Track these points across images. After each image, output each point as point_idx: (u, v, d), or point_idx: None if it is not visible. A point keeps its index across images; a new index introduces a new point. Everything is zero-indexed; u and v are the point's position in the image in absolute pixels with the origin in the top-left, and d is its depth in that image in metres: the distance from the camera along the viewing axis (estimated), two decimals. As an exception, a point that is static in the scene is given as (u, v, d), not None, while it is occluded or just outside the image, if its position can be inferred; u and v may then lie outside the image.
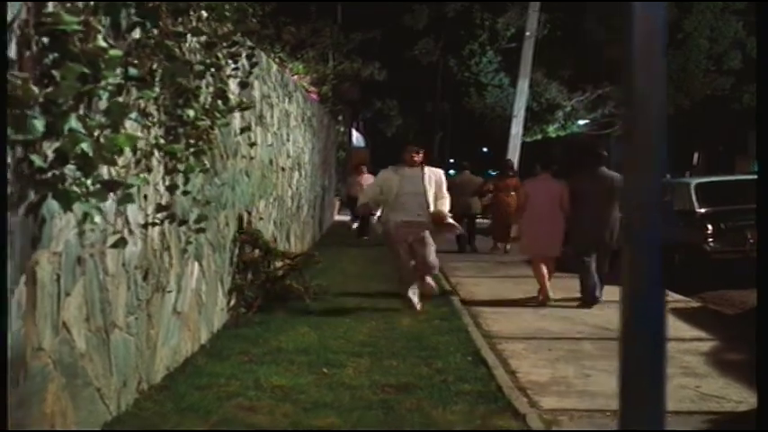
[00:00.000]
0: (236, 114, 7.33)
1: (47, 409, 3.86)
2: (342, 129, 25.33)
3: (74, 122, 3.54)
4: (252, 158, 8.70)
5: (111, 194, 4.06)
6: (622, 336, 2.07)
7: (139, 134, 4.58)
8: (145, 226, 5.21)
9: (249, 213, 8.63)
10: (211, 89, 6.07)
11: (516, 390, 5.77)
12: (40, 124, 3.36)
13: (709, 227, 11.64)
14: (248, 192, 8.61)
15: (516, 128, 22.76)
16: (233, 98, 6.49)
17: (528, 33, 22.26)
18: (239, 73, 6.79)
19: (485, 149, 48.32)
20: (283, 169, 11.32)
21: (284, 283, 8.49)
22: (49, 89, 3.52)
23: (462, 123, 39.41)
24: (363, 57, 27.12)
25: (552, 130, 29.92)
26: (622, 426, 2.10)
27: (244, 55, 6.79)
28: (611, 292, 10.24)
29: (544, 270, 9.96)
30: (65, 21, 3.44)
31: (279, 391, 5.50)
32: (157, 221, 5.30)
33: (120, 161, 4.38)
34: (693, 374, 6.49)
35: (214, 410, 5.03)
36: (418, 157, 9.07)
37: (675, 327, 8.41)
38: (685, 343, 7.58)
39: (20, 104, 3.28)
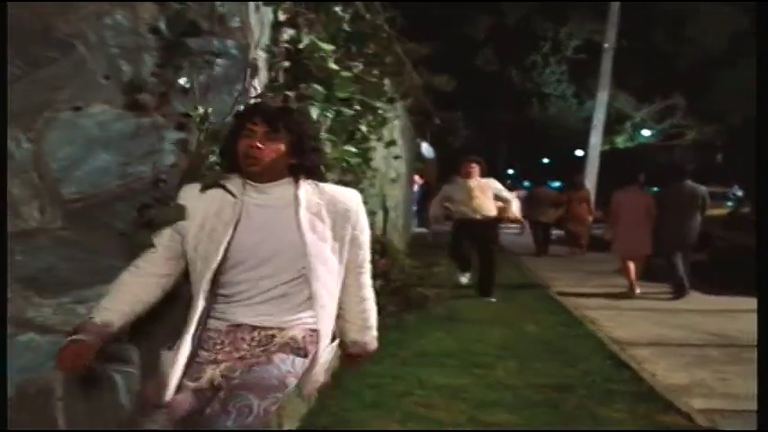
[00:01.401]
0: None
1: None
2: (418, 140, 25.66)
3: (316, 139, 3.91)
4: (376, 170, 9.05)
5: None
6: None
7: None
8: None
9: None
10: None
11: (669, 391, 6.04)
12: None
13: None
14: (372, 202, 8.95)
15: (595, 138, 22.92)
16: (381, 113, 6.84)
17: (606, 45, 22.41)
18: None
19: (545, 160, 48.32)
20: (392, 180, 11.67)
21: (412, 289, 8.81)
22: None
23: (523, 134, 39.59)
24: (429, 68, 27.36)
25: (621, 141, 29.97)
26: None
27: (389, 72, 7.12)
28: (721, 303, 10.63)
29: (632, 269, 11.46)
30: (322, 49, 3.82)
31: (445, 391, 5.82)
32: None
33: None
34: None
35: (394, 407, 5.37)
36: (262, 153, 2.87)
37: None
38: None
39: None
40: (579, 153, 37.96)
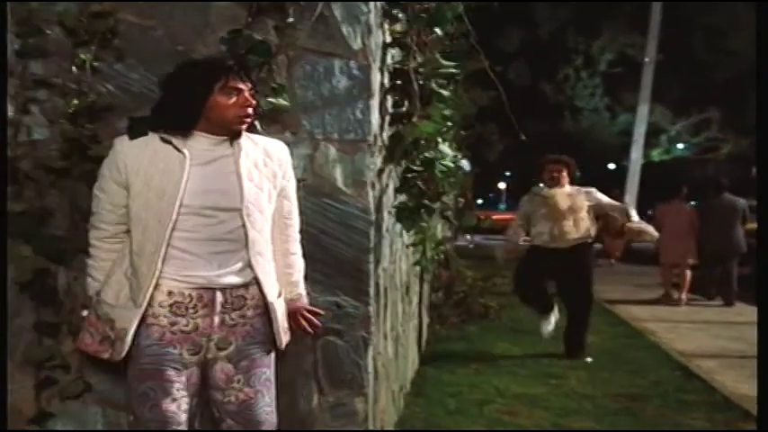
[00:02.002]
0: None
1: (381, 406, 4.39)
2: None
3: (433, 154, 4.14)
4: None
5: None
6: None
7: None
8: (408, 246, 5.74)
9: (434, 235, 9.15)
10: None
11: (743, 400, 6.14)
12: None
13: None
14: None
15: (636, 153, 22.99)
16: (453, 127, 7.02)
17: (647, 59, 22.49)
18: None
19: (577, 174, 48.17)
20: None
21: (473, 301, 8.97)
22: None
23: (556, 148, 39.54)
24: (464, 82, 27.49)
25: (656, 155, 29.91)
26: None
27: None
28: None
29: (672, 278, 12.34)
30: (443, 65, 4.01)
31: (524, 399, 5.95)
32: (417, 242, 5.82)
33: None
34: None
35: (478, 414, 5.52)
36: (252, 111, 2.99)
37: None
38: None
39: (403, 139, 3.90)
40: (611, 167, 37.97)
